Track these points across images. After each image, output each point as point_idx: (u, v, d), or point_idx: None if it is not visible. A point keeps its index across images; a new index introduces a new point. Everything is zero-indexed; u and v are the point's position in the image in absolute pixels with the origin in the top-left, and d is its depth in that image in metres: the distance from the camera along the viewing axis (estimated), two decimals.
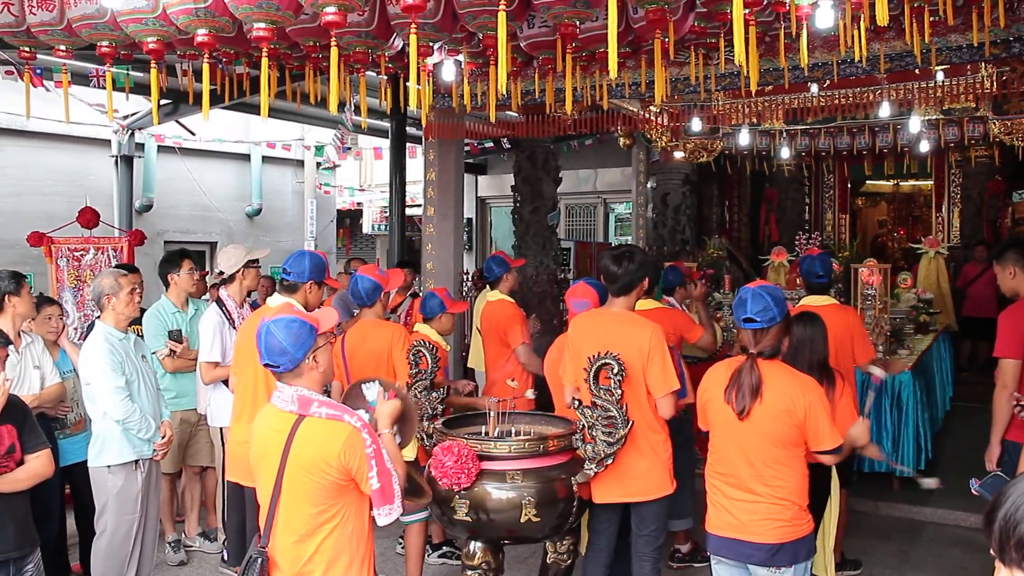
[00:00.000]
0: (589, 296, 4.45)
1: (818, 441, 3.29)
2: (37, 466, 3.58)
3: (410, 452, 4.69)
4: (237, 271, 5.29)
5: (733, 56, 3.47)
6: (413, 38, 3.27)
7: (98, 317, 4.68)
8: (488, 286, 6.18)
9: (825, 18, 4.48)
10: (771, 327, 3.30)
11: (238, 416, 4.42)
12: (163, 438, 4.51)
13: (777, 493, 3.29)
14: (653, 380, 3.92)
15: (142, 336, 5.34)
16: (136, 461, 4.41)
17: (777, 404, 3.26)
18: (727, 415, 3.35)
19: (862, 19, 4.20)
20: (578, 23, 3.86)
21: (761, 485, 3.30)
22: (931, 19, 4.32)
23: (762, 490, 3.30)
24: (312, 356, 2.87)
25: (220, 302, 5.26)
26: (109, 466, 4.36)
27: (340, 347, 4.76)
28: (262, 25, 3.53)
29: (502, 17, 2.95)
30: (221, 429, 5.22)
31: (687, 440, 4.82)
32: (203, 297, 6.16)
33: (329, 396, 3.03)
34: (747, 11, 3.59)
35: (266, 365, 2.85)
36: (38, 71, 7.01)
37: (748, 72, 3.72)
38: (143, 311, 5.69)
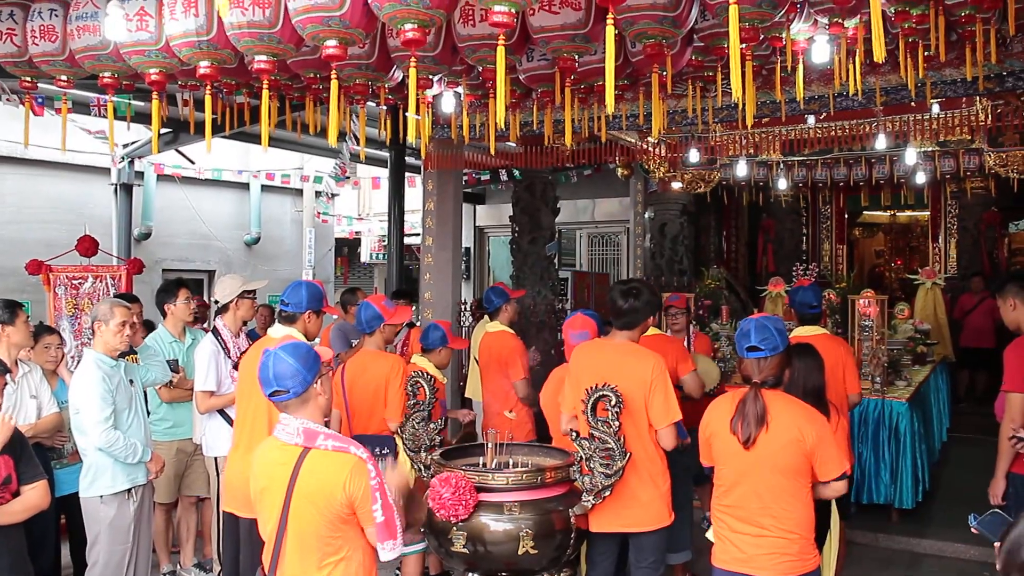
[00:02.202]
0: (588, 327, 4.46)
1: (827, 470, 3.27)
2: (33, 497, 3.55)
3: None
4: (231, 301, 5.29)
5: (730, 89, 3.51)
6: (413, 71, 3.30)
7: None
8: (487, 316, 6.18)
9: (821, 53, 4.54)
10: (774, 356, 3.30)
11: (236, 446, 4.40)
12: (156, 469, 4.52)
13: (785, 526, 3.26)
14: (655, 411, 3.92)
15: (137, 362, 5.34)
16: (129, 490, 4.38)
17: (785, 434, 3.24)
18: (733, 447, 3.32)
19: (857, 54, 4.25)
20: (576, 57, 3.90)
21: (769, 518, 3.27)
22: (925, 54, 4.37)
23: (770, 523, 3.27)
24: (318, 381, 2.88)
25: (216, 331, 5.25)
26: (101, 496, 4.33)
27: (340, 377, 4.76)
28: (264, 58, 3.57)
29: (501, 51, 2.98)
30: (216, 459, 5.19)
31: (685, 472, 4.81)
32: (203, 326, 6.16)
33: (328, 427, 3.02)
34: (744, 46, 3.64)
35: (272, 394, 2.82)
36: (39, 100, 7.07)
37: (745, 106, 3.76)
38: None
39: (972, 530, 2.71)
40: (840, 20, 4.00)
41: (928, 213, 13.59)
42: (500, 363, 5.77)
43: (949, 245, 13.07)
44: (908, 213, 14.91)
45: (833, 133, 8.22)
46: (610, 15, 2.91)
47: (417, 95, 3.73)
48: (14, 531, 3.51)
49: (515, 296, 6.13)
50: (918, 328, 9.22)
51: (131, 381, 4.61)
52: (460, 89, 5.10)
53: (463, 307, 8.70)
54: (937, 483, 7.37)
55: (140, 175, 10.81)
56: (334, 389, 4.39)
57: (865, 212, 14.85)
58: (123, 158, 10.28)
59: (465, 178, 10.94)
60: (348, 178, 12.43)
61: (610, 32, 2.84)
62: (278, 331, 4.39)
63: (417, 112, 5.25)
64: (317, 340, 4.57)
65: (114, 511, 4.34)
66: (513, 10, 2.89)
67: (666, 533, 4.11)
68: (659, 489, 4.02)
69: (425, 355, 5.23)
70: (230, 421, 4.87)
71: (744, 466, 3.31)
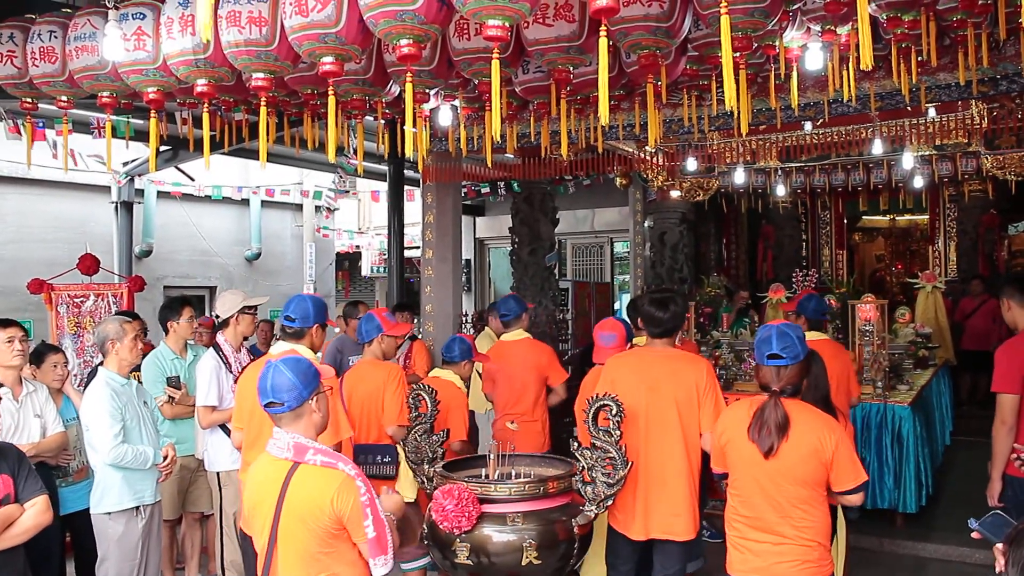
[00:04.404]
0: (616, 329, 4.53)
1: (844, 480, 3.24)
2: (33, 516, 3.52)
3: (410, 494, 4.68)
4: (231, 316, 5.31)
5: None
6: (409, 86, 3.33)
7: (100, 363, 4.71)
8: (502, 325, 6.17)
9: (814, 60, 4.57)
10: (794, 364, 3.28)
11: (248, 464, 4.37)
12: (165, 459, 4.53)
13: (805, 535, 3.24)
14: (707, 414, 3.96)
15: (140, 382, 5.36)
16: (137, 508, 4.40)
17: (805, 445, 3.21)
18: (751, 456, 3.29)
19: (850, 60, 4.27)
20: (571, 68, 3.93)
21: (789, 527, 3.24)
22: (918, 59, 4.39)
23: (790, 532, 3.24)
24: (315, 398, 2.90)
25: (217, 347, 5.27)
26: (109, 513, 4.37)
27: (338, 388, 4.75)
28: (261, 75, 3.60)
29: (496, 65, 3.01)
30: (218, 474, 5.20)
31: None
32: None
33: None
34: (737, 55, 3.66)
35: (268, 405, 2.86)
36: (40, 124, 7.11)
37: (740, 114, 3.78)
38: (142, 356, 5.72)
39: (973, 534, 2.72)
40: (833, 27, 4.02)
41: (927, 217, 13.61)
42: (536, 369, 5.78)
43: (949, 248, 13.07)
44: (907, 217, 14.92)
45: (830, 139, 8.24)
46: (603, 27, 2.93)
47: (414, 109, 3.75)
48: (13, 553, 3.51)
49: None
50: (919, 332, 9.22)
51: (144, 403, 4.65)
52: (457, 102, 5.13)
53: (464, 319, 8.71)
54: (941, 487, 7.36)
55: (140, 193, 10.84)
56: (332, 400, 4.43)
57: (864, 217, 14.85)
58: (125, 175, 10.31)
59: (464, 190, 10.97)
60: (346, 192, 12.47)
61: (603, 44, 2.86)
62: (280, 348, 4.37)
63: (414, 126, 5.28)
64: (319, 354, 4.58)
65: (122, 528, 4.38)
66: (507, 24, 2.91)
67: (692, 544, 4.15)
68: (695, 500, 4.08)
69: (447, 367, 5.24)
70: None
71: (762, 476, 3.28)
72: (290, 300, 4.42)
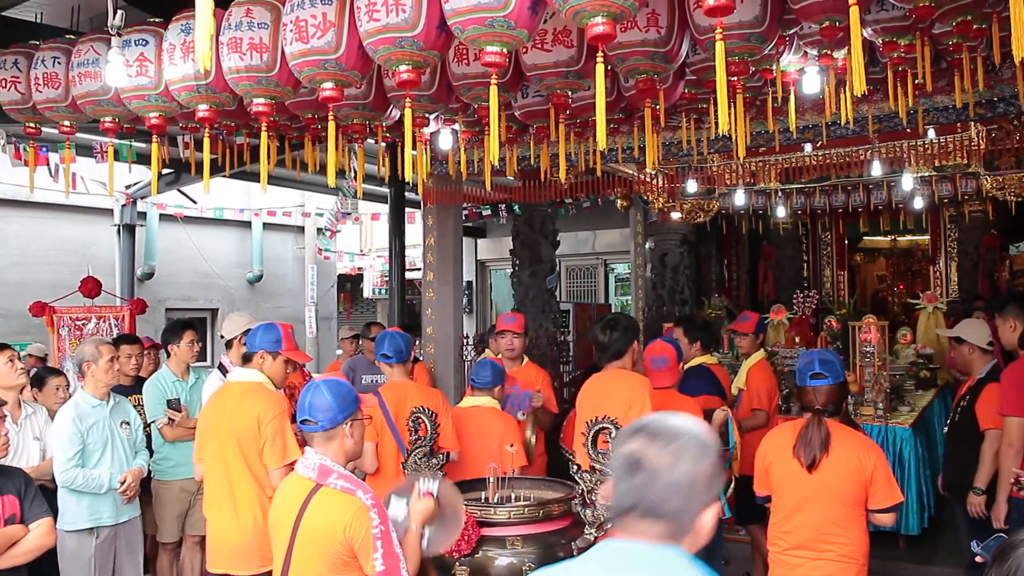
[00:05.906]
0: (667, 351, 4.61)
1: (881, 499, 3.40)
2: (37, 537, 3.56)
3: None
4: (235, 337, 5.33)
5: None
6: (408, 111, 3.36)
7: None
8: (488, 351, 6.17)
9: (812, 83, 4.60)
10: (835, 384, 3.51)
11: (215, 503, 4.13)
12: (123, 483, 4.59)
13: (844, 552, 3.39)
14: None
15: (141, 405, 5.38)
16: (92, 529, 4.51)
17: (846, 464, 3.38)
18: (795, 474, 3.44)
19: (847, 84, 4.29)
20: (570, 93, 3.96)
21: (828, 544, 3.39)
22: (915, 82, 4.41)
23: (827, 549, 3.39)
24: (349, 423, 2.92)
25: (222, 368, 5.30)
26: (66, 531, 4.45)
27: (378, 404, 4.60)
28: (262, 101, 3.63)
29: (494, 91, 3.03)
30: None
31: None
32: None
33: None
34: (734, 79, 3.69)
35: (303, 422, 2.90)
36: (44, 149, 7.16)
37: (737, 138, 3.80)
38: (143, 380, 5.74)
39: (977, 558, 2.73)
40: (829, 52, 4.05)
41: (928, 237, 13.61)
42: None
43: (950, 268, 13.06)
44: (908, 237, 14.90)
45: (829, 160, 8.26)
46: (600, 52, 2.95)
47: (414, 133, 3.78)
48: (15, 571, 3.52)
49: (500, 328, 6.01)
50: (920, 353, 9.21)
51: (124, 423, 4.66)
52: (457, 126, 5.16)
53: (465, 341, 8.70)
54: (943, 509, 7.31)
55: (143, 215, 10.89)
56: (377, 422, 4.41)
57: (865, 237, 14.85)
58: (131, 198, 10.36)
59: (465, 212, 10.99)
60: (348, 215, 12.50)
61: (600, 69, 2.88)
62: (238, 374, 4.33)
63: (415, 149, 5.30)
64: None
65: (73, 545, 4.48)
66: (505, 50, 2.94)
67: None
68: None
69: (482, 393, 4.96)
70: None
71: (806, 493, 3.44)
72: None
